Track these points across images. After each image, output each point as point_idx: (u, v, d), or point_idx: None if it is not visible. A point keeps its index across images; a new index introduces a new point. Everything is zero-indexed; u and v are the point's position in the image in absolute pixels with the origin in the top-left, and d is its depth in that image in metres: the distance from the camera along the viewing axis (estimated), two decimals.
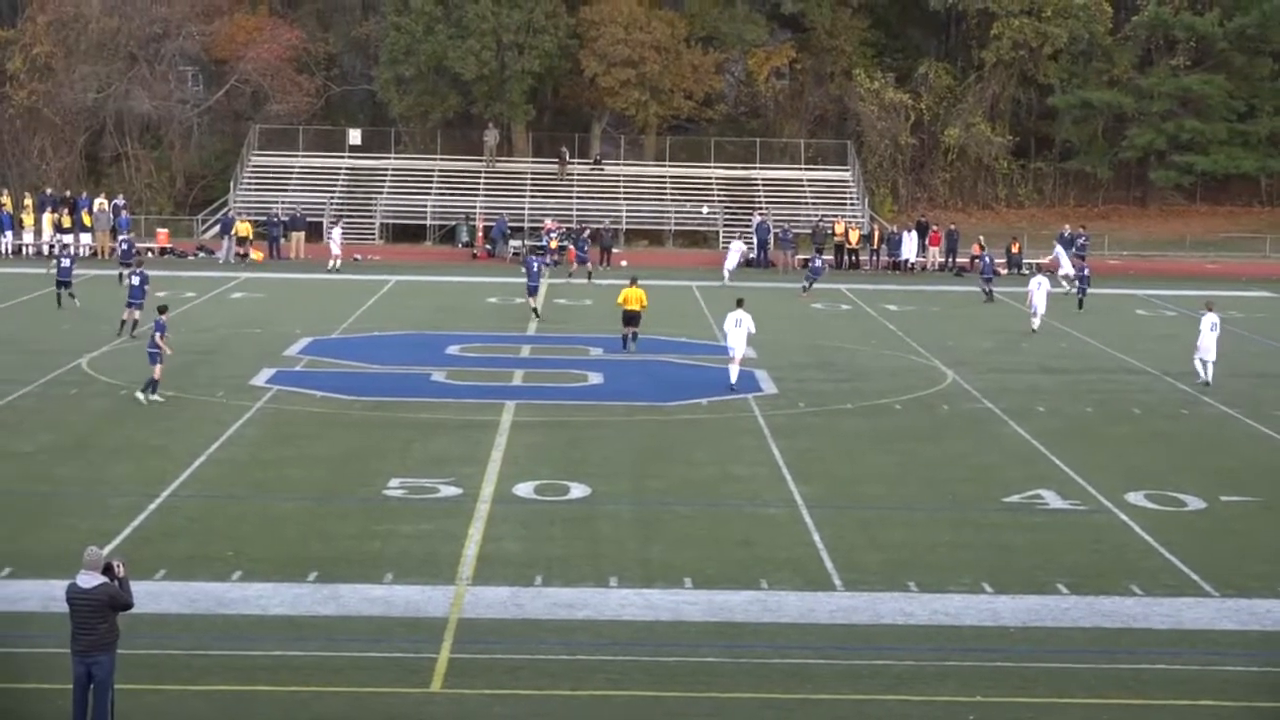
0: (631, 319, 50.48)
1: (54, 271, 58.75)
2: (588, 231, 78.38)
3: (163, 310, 42.30)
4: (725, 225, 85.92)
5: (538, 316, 57.74)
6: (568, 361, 48.56)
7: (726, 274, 71.41)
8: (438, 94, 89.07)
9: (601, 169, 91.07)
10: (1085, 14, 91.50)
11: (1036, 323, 57.01)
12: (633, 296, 50.45)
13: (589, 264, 72.33)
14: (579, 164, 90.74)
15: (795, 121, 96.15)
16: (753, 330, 45.13)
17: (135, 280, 52.79)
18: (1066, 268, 69.81)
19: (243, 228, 78.79)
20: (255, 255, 77.63)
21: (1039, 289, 57.29)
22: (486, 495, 31.58)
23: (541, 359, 49.22)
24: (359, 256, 79.52)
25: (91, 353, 47.77)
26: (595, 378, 45.70)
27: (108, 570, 18.79)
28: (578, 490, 32.17)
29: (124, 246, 69.53)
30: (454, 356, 49.02)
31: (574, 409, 40.91)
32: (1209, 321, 46.31)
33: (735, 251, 73.60)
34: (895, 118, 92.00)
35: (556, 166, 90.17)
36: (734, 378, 44.10)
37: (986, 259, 69.73)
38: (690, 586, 25.78)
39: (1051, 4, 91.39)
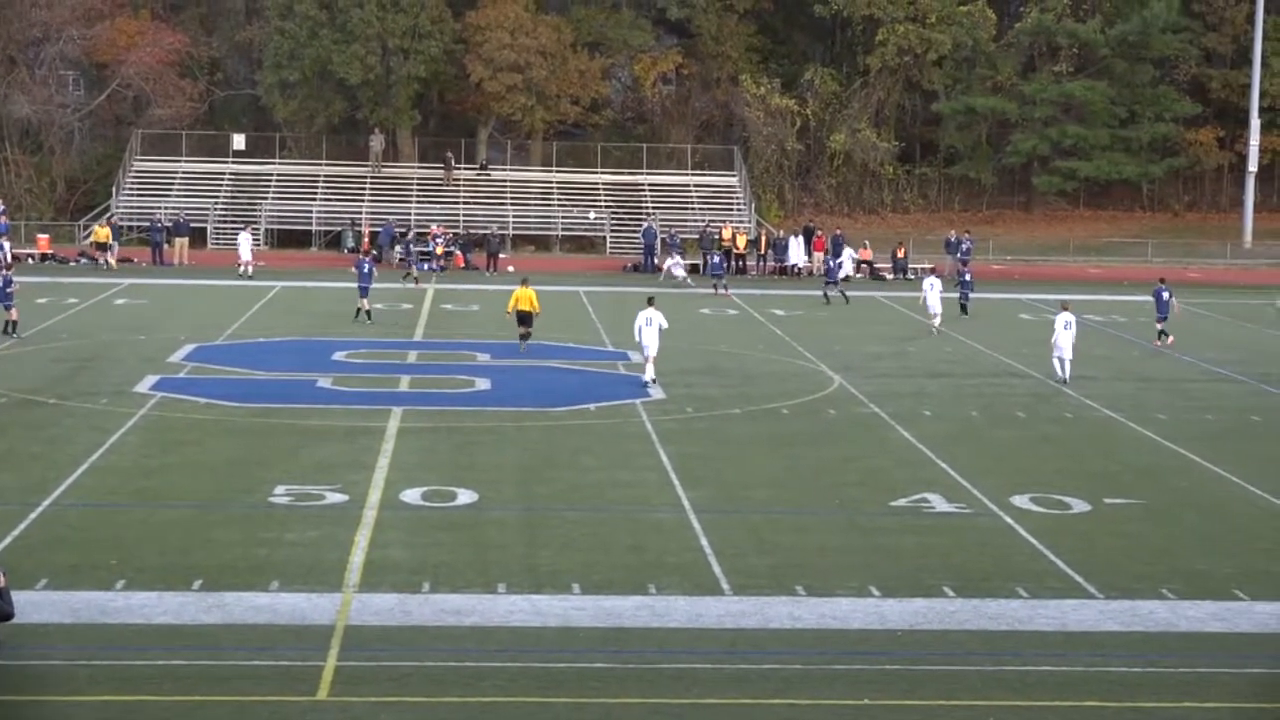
0: (524, 319, 50.89)
1: None
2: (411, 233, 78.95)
3: None
4: (612, 230, 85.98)
5: (370, 320, 57.70)
6: (455, 367, 48.40)
7: (683, 277, 72.49)
8: (322, 99, 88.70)
9: (488, 174, 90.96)
10: (969, 21, 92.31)
11: (937, 322, 57.97)
12: (524, 297, 50.81)
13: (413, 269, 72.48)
14: (465, 169, 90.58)
15: (682, 127, 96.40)
16: (664, 326, 45.95)
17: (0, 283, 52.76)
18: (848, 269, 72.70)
19: (101, 233, 77.91)
20: (113, 262, 76.54)
21: (932, 290, 58.19)
22: (373, 502, 31.40)
23: (428, 365, 49.04)
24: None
25: None
26: (483, 383, 45.58)
27: None
28: (465, 496, 32.05)
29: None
30: (340, 363, 48.75)
31: (461, 415, 40.76)
32: (1064, 320, 47.28)
33: (677, 265, 74.17)
34: (781, 123, 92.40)
35: (442, 172, 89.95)
36: (649, 376, 45.20)
37: (830, 262, 70.60)
38: (578, 592, 25.72)
39: (935, 11, 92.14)
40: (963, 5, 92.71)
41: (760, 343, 55.08)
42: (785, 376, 48.01)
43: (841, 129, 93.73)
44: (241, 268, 72.60)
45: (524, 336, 51.24)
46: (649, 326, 45.42)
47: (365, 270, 58.64)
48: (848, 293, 68.28)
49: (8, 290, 52.67)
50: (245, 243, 73.96)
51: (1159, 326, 55.66)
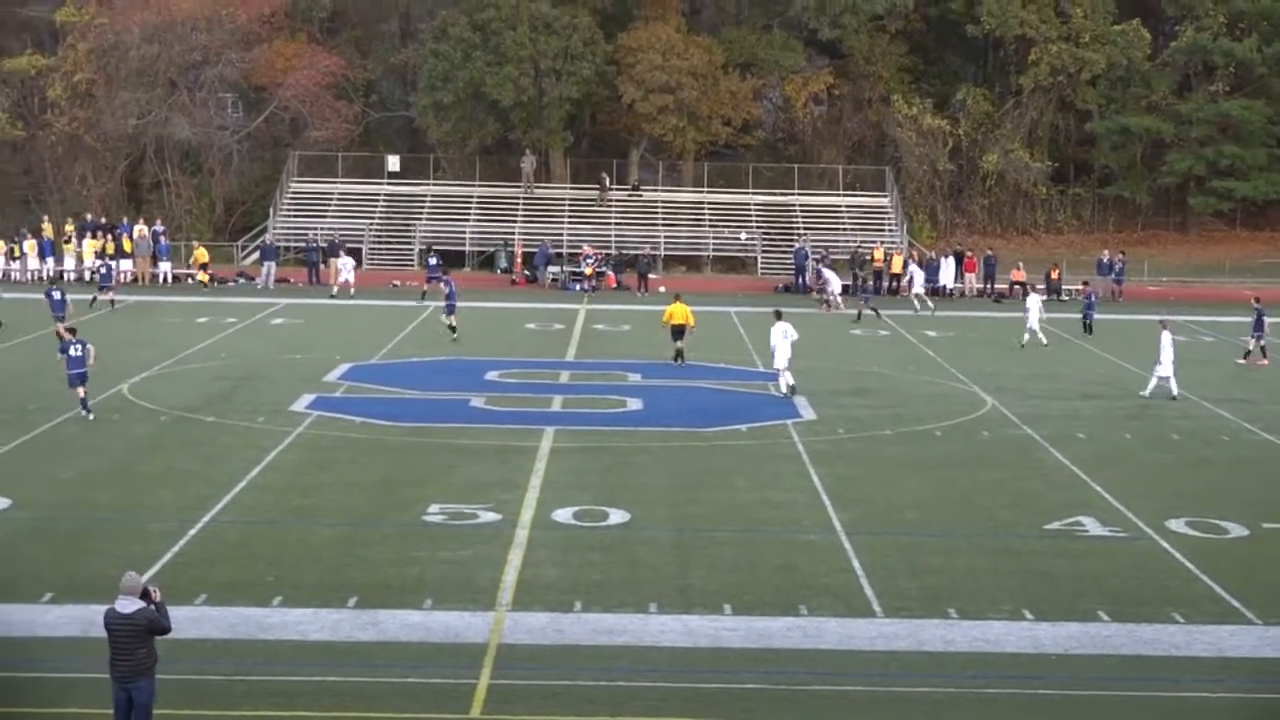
0: (678, 334, 52.37)
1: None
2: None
3: (74, 331, 43.56)
4: (763, 251, 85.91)
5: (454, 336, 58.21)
6: (607, 387, 48.55)
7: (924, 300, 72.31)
8: (476, 120, 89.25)
9: (639, 195, 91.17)
10: (1123, 40, 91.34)
11: (1026, 338, 58.89)
12: (678, 312, 52.33)
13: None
14: (617, 190, 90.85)
15: (833, 147, 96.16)
16: (795, 337, 47.18)
17: (56, 295, 55.36)
18: (918, 286, 72.46)
19: (201, 254, 78.78)
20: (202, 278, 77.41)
21: (1032, 309, 59.60)
22: (526, 521, 31.57)
23: (581, 385, 49.23)
24: (397, 283, 79.73)
25: (132, 379, 47.91)
26: (634, 403, 45.69)
27: (145, 595, 18.83)
28: (617, 516, 32.15)
29: (103, 270, 70.03)
30: (493, 382, 49.05)
31: (613, 435, 40.88)
32: (1167, 339, 47.73)
33: (834, 281, 73.92)
34: (933, 143, 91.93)
35: (595, 192, 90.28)
36: (785, 386, 46.90)
37: (867, 282, 70.35)
38: (729, 613, 25.73)
39: (1089, 30, 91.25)
40: (1117, 25, 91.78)
41: (912, 364, 54.81)
42: (937, 398, 47.75)
43: (994, 149, 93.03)
44: (337, 289, 73.11)
45: (680, 350, 52.64)
46: (784, 340, 46.94)
47: (450, 290, 59.17)
48: (917, 307, 67.90)
49: (65, 300, 55.01)
50: (346, 266, 74.39)
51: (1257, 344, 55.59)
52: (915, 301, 71.57)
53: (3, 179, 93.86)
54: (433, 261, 76.34)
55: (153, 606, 18.84)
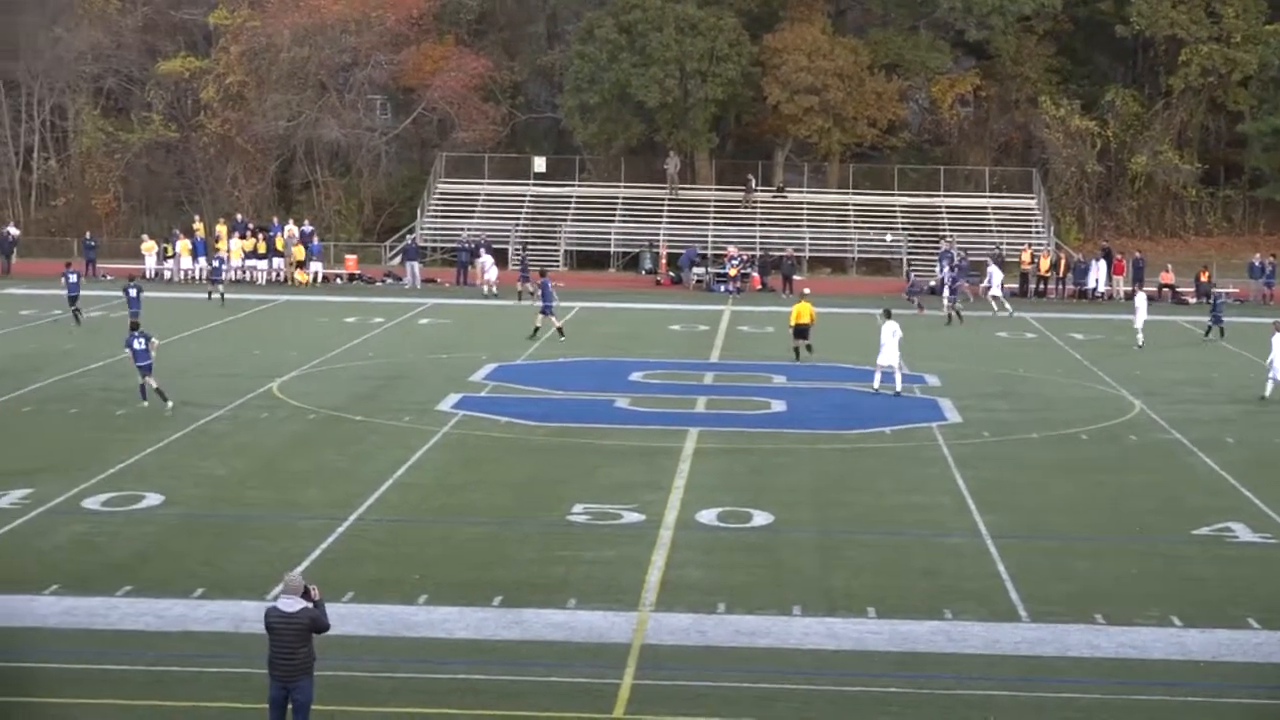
0: (802, 332, 53.08)
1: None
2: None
3: (136, 326, 44.53)
4: (909, 253, 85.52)
5: (556, 335, 58.40)
6: (751, 388, 48.56)
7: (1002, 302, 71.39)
8: (621, 121, 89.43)
9: (784, 196, 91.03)
10: (1276, 40, 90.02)
11: (1141, 339, 59.15)
12: (803, 311, 53.34)
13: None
14: (762, 191, 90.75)
15: (980, 149, 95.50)
16: (901, 336, 47.96)
17: (133, 292, 56.66)
18: (995, 289, 71.56)
19: (298, 251, 79.49)
20: (301, 278, 78.03)
21: (1140, 310, 60.30)
22: (669, 522, 31.65)
23: (724, 386, 49.27)
24: None
25: (281, 377, 48.49)
26: (778, 405, 45.66)
27: (305, 594, 19.04)
28: (760, 518, 32.15)
29: (215, 263, 71.49)
30: (637, 383, 49.19)
31: (757, 436, 40.90)
32: (1278, 339, 47.32)
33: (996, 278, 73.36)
34: (1081, 145, 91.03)
35: (740, 194, 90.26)
36: (899, 385, 47.31)
37: (951, 276, 69.36)
38: (873, 616, 25.67)
39: (1241, 30, 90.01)
40: (1270, 24, 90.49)
41: (1059, 367, 54.36)
42: (1084, 401, 47.34)
43: (1143, 151, 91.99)
44: (486, 288, 73.46)
45: (799, 349, 53.43)
46: (892, 339, 47.46)
47: (545, 290, 59.47)
48: (963, 312, 67.16)
49: (140, 298, 57.14)
50: (487, 264, 74.65)
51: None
52: (993, 303, 70.56)
53: (156, 180, 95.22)
54: (523, 261, 76.54)
55: (313, 605, 19.03)
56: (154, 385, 42.95)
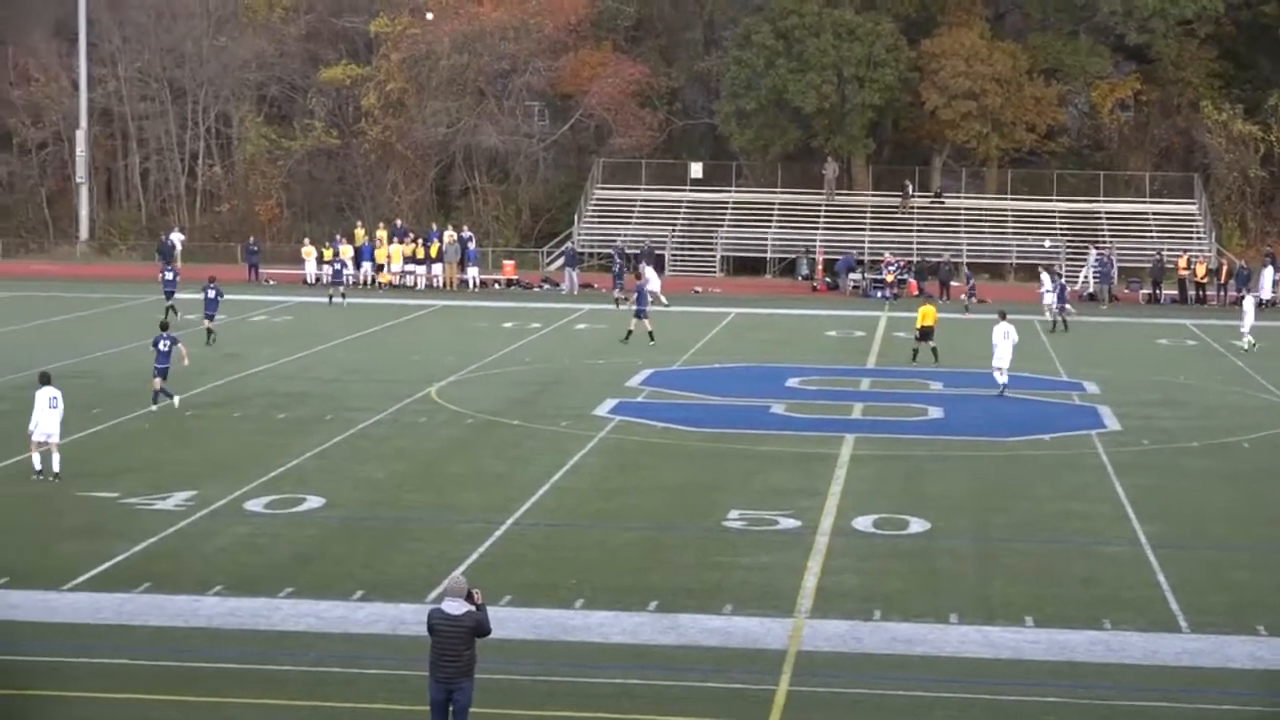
0: (926, 334, 54.37)
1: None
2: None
3: (165, 327, 45.38)
4: (1067, 259, 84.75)
5: (644, 340, 58.19)
6: (908, 395, 48.37)
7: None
8: (778, 127, 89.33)
9: (942, 202, 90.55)
10: None
11: (1250, 341, 59.02)
12: (928, 313, 54.59)
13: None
14: (919, 197, 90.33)
15: (1140, 154, 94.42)
16: (1015, 339, 48.26)
17: (211, 293, 57.36)
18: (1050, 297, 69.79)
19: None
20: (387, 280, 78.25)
21: (1248, 312, 60.36)
22: (825, 528, 31.60)
23: (881, 392, 49.12)
24: (699, 289, 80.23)
25: (439, 382, 48.91)
26: (935, 412, 45.46)
27: (468, 597, 19.19)
28: (917, 524, 32.03)
29: (337, 266, 73.36)
30: (794, 389, 49.15)
31: (914, 443, 40.74)
32: None
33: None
34: (1244, 150, 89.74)
35: (898, 199, 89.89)
36: (1003, 382, 47.90)
37: (1060, 284, 68.11)
38: (1031, 624, 25.48)
39: None
40: None
41: (1220, 374, 53.69)
42: (1247, 409, 46.71)
43: None
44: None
45: (916, 352, 54.81)
46: (1004, 340, 47.86)
47: (643, 294, 59.59)
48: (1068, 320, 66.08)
49: (217, 300, 57.67)
50: (650, 274, 74.42)
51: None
52: (1046, 312, 68.51)
53: (318, 186, 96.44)
54: (616, 264, 76.44)
55: (476, 608, 19.17)
56: (159, 385, 43.59)
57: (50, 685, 22.11)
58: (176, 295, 64.78)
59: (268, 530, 30.97)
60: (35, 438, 34.64)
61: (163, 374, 43.65)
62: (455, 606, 19.10)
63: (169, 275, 65.48)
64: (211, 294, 57.78)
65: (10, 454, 36.50)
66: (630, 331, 58.57)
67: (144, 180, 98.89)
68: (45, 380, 35.43)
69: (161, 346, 43.80)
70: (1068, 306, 66.81)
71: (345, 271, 74.53)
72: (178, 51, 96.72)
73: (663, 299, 71.92)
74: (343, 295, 71.42)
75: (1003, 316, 48.93)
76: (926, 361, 54.34)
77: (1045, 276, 71.16)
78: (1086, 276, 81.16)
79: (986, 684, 22.82)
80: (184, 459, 37.32)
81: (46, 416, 34.59)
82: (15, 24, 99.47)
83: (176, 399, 43.53)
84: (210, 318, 57.43)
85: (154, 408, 43.20)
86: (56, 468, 34.68)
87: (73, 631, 24.53)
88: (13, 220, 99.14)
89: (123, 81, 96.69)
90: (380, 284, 79.91)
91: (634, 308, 59.28)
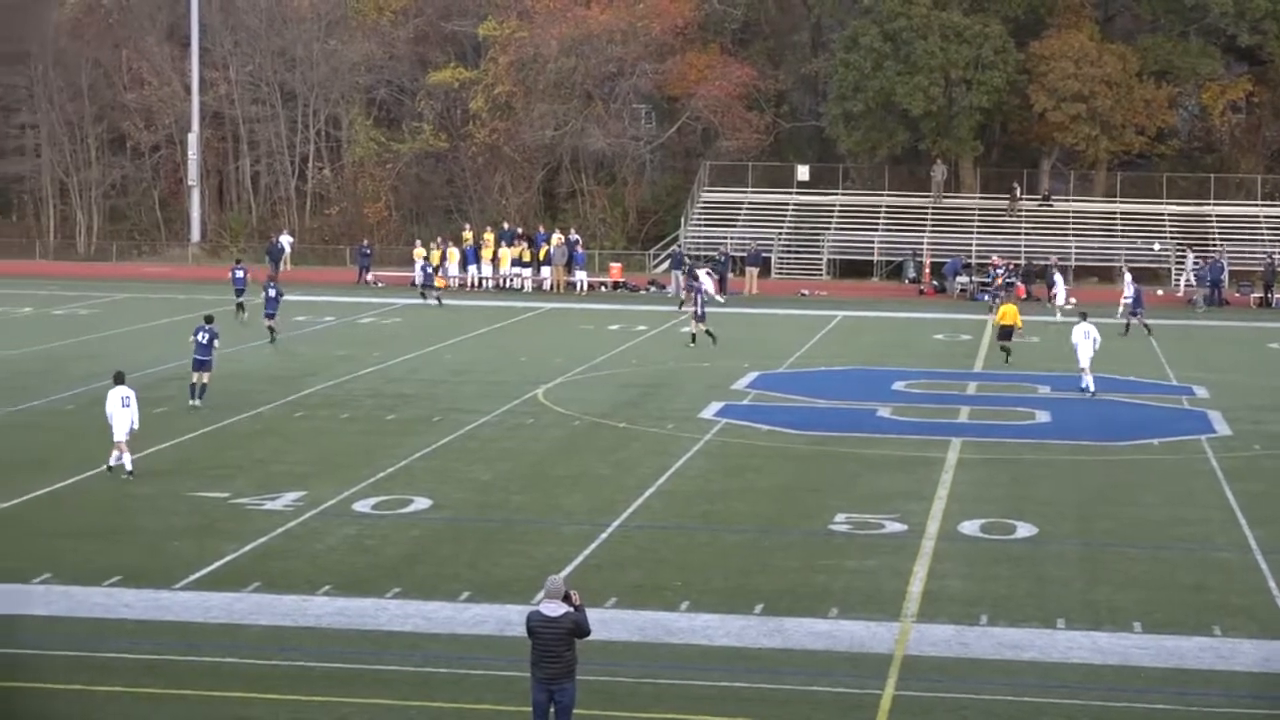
0: (1005, 334, 54.90)
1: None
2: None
3: (210, 320, 45.02)
4: (1177, 262, 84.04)
5: (693, 344, 58.23)
6: (1015, 399, 48.10)
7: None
8: (885, 130, 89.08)
9: (1050, 205, 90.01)
10: None
11: None
12: (1008, 313, 55.37)
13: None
14: (1028, 200, 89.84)
15: (1252, 156, 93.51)
16: (1099, 341, 48.29)
17: (272, 293, 58.26)
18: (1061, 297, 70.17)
19: (434, 255, 79.94)
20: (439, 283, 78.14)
21: None
22: (932, 532, 31.50)
23: (988, 396, 48.87)
24: (805, 292, 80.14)
25: (546, 384, 49.08)
26: (1043, 416, 45.20)
27: (566, 599, 19.27)
28: (1024, 529, 31.86)
29: (427, 269, 74.66)
30: (900, 392, 49.00)
31: (1021, 447, 40.52)
32: None
33: None
34: None
35: (1005, 202, 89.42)
36: (1088, 384, 48.10)
37: (1137, 288, 67.18)
38: (1139, 631, 25.30)
39: None
40: None
41: None
42: None
43: None
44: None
45: (1005, 349, 55.00)
46: (1085, 340, 48.20)
47: (699, 296, 59.50)
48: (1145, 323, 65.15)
49: (277, 299, 58.45)
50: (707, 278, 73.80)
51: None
52: (1057, 312, 68.89)
53: (426, 188, 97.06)
54: (685, 267, 76.15)
55: (575, 610, 19.25)
56: (204, 381, 43.83)
57: (159, 684, 22.37)
58: (246, 294, 65.19)
59: (376, 531, 31.19)
60: (116, 437, 35.30)
61: (202, 366, 43.87)
62: (553, 608, 19.18)
63: (239, 273, 66.03)
64: (271, 293, 58.67)
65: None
66: (702, 334, 58.49)
67: (254, 183, 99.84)
68: (119, 380, 36.08)
69: (200, 338, 43.97)
70: (1140, 311, 66.12)
71: (429, 270, 74.92)
72: (288, 55, 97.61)
73: (719, 298, 71.95)
74: (437, 298, 71.95)
75: (1083, 317, 49.09)
76: (1020, 364, 54.07)
77: (1127, 278, 70.89)
78: (1186, 281, 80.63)
79: (1094, 690, 22.68)
80: (293, 459, 37.66)
81: (119, 415, 35.23)
82: (130, 28, 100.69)
83: (196, 402, 43.69)
84: (270, 316, 58.30)
85: (194, 402, 43.52)
86: (129, 466, 35.30)
87: (183, 630, 24.81)
88: (126, 222, 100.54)
89: (234, 85, 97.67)
90: (489, 286, 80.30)
91: (695, 310, 59.21)
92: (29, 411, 43.67)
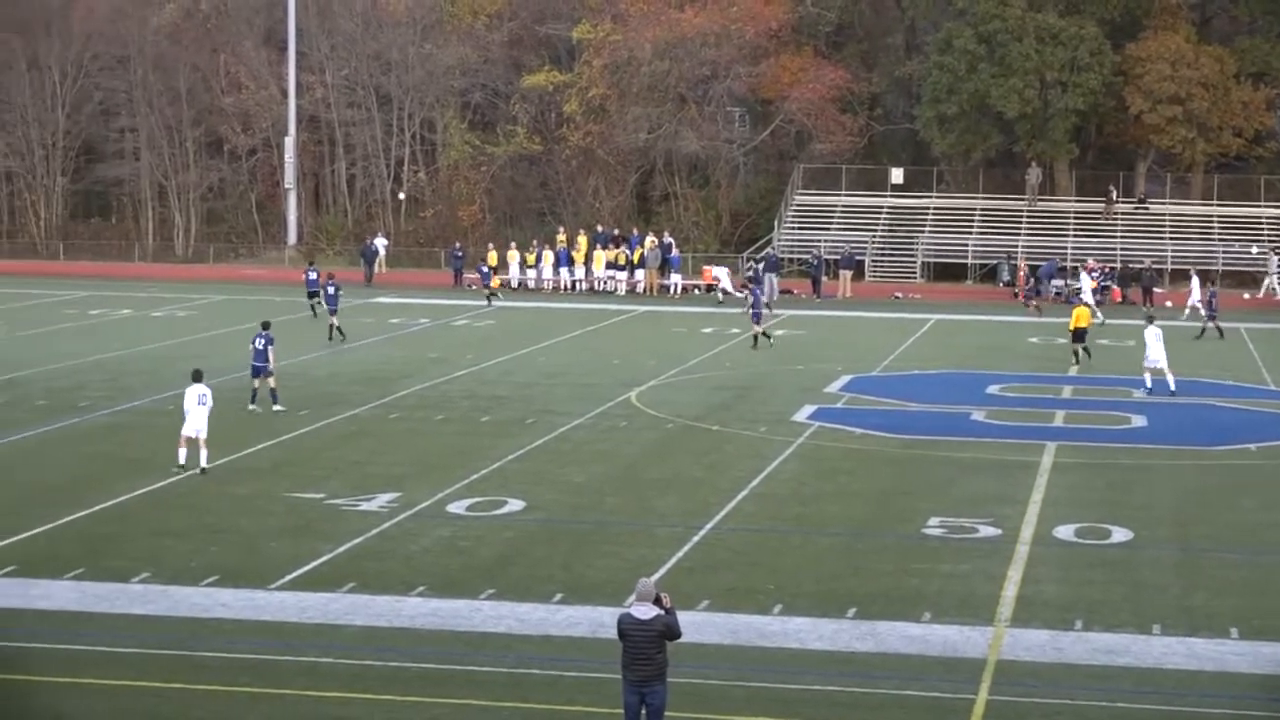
0: (1079, 336, 54.77)
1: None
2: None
3: (266, 325, 45.15)
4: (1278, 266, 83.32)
5: (755, 346, 58.59)
6: (1110, 403, 47.85)
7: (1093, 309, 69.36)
8: (979, 132, 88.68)
9: (1146, 208, 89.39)
10: None
11: None
12: (1081, 315, 55.17)
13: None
14: (1123, 203, 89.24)
15: None
16: (1162, 339, 49.19)
17: (331, 290, 59.52)
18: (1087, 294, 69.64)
19: (492, 257, 79.99)
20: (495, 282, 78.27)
21: None
22: (1026, 537, 31.37)
23: (1083, 400, 48.63)
24: (899, 295, 79.92)
25: (639, 386, 49.18)
26: (1139, 420, 44.93)
27: (657, 601, 19.33)
28: (1119, 534, 31.69)
29: (483, 269, 75.87)
30: (994, 396, 48.81)
31: (1116, 451, 40.30)
32: None
33: None
34: None
35: (1101, 205, 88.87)
36: (1172, 384, 48.64)
37: (1212, 291, 66.32)
38: (1236, 637, 25.12)
39: None
40: None
41: None
42: None
43: None
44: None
45: (1076, 352, 55.23)
46: (1156, 342, 48.69)
47: (758, 297, 59.84)
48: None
49: (337, 295, 60.25)
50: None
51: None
52: (1188, 314, 68.51)
53: (520, 191, 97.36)
54: (752, 270, 75.88)
55: (665, 612, 19.30)
56: (270, 385, 43.99)
57: (256, 683, 22.58)
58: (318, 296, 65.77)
59: (470, 532, 31.36)
60: (185, 432, 35.91)
61: (258, 372, 44.12)
62: (644, 610, 19.24)
63: (313, 275, 66.62)
64: (331, 290, 59.34)
65: (220, 455, 37.26)
66: (763, 335, 58.97)
67: (350, 186, 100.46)
68: (196, 378, 36.71)
69: (257, 344, 44.32)
70: (1214, 315, 65.51)
71: (485, 270, 75.29)
72: (384, 59, 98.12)
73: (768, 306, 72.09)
74: (488, 297, 73.15)
75: (1150, 321, 49.75)
76: (1115, 368, 53.77)
77: (1195, 281, 70.57)
78: (1270, 286, 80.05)
79: (1189, 696, 22.56)
80: (388, 461, 37.89)
81: (195, 413, 35.90)
82: (227, 33, 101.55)
83: (255, 406, 43.85)
84: (333, 313, 59.20)
85: (253, 407, 43.76)
86: (204, 463, 35.94)
87: (279, 630, 25.04)
88: (223, 225, 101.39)
89: (330, 89, 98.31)
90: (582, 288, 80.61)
91: (751, 312, 59.30)
92: (131, 412, 44.18)
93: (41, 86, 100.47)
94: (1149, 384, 48.72)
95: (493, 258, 79.62)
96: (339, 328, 58.95)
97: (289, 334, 57.49)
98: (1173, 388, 48.39)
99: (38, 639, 24.39)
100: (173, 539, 30.53)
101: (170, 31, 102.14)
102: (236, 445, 38.53)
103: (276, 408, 43.67)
